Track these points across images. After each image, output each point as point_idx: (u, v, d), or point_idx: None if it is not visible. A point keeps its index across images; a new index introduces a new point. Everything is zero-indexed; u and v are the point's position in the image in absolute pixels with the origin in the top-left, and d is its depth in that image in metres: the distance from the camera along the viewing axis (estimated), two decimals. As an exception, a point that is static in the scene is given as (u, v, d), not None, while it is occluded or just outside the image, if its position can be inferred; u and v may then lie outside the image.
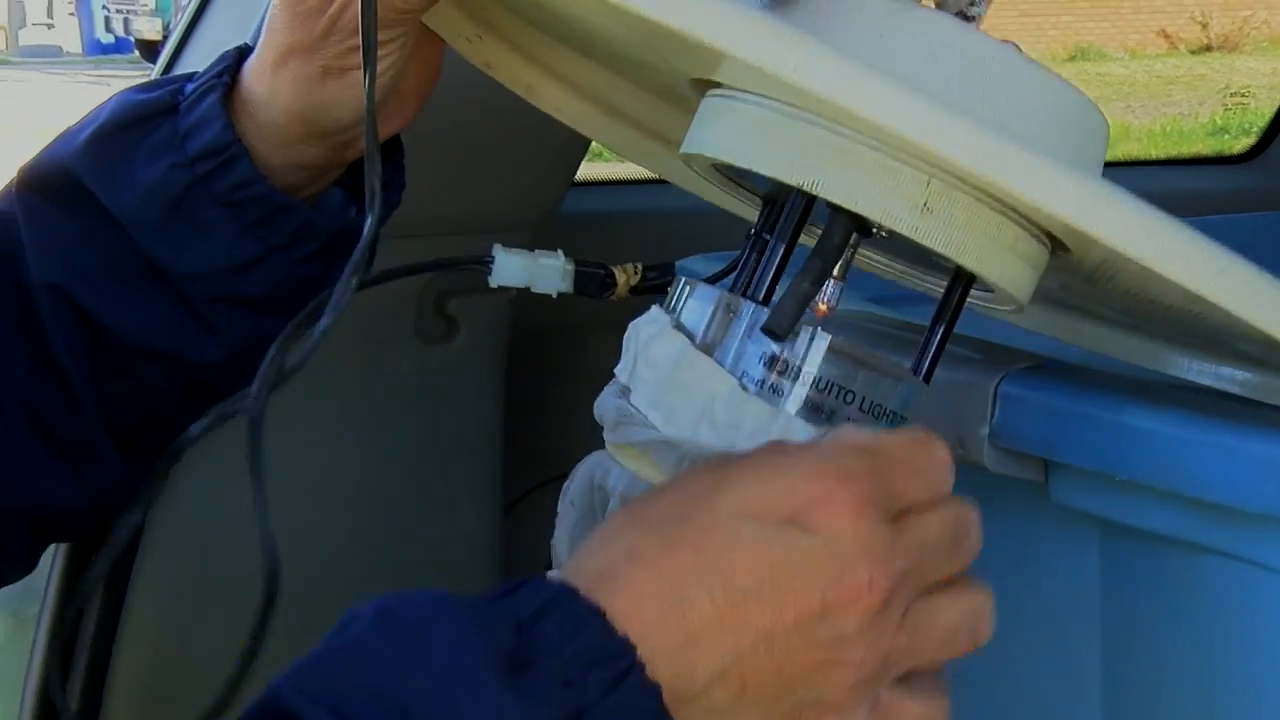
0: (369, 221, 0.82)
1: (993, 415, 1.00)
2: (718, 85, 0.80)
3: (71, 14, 20.25)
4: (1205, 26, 16.46)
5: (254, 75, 0.95)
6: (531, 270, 0.93)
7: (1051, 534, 1.04)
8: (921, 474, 0.71)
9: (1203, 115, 12.75)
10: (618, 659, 0.63)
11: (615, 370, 0.82)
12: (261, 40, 0.95)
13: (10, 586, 1.22)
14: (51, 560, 1.23)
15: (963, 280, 0.82)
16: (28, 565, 1.06)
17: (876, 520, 0.67)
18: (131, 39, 18.43)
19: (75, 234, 0.97)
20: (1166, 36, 17.16)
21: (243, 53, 0.97)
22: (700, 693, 0.64)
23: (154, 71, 1.30)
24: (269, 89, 0.94)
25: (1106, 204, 0.68)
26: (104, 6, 19.04)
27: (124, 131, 0.97)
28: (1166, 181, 2.33)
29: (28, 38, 20.78)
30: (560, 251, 0.95)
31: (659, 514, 0.68)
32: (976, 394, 0.99)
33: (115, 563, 1.20)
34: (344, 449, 1.33)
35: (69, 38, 20.25)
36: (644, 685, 0.63)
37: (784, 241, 0.79)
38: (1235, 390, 0.97)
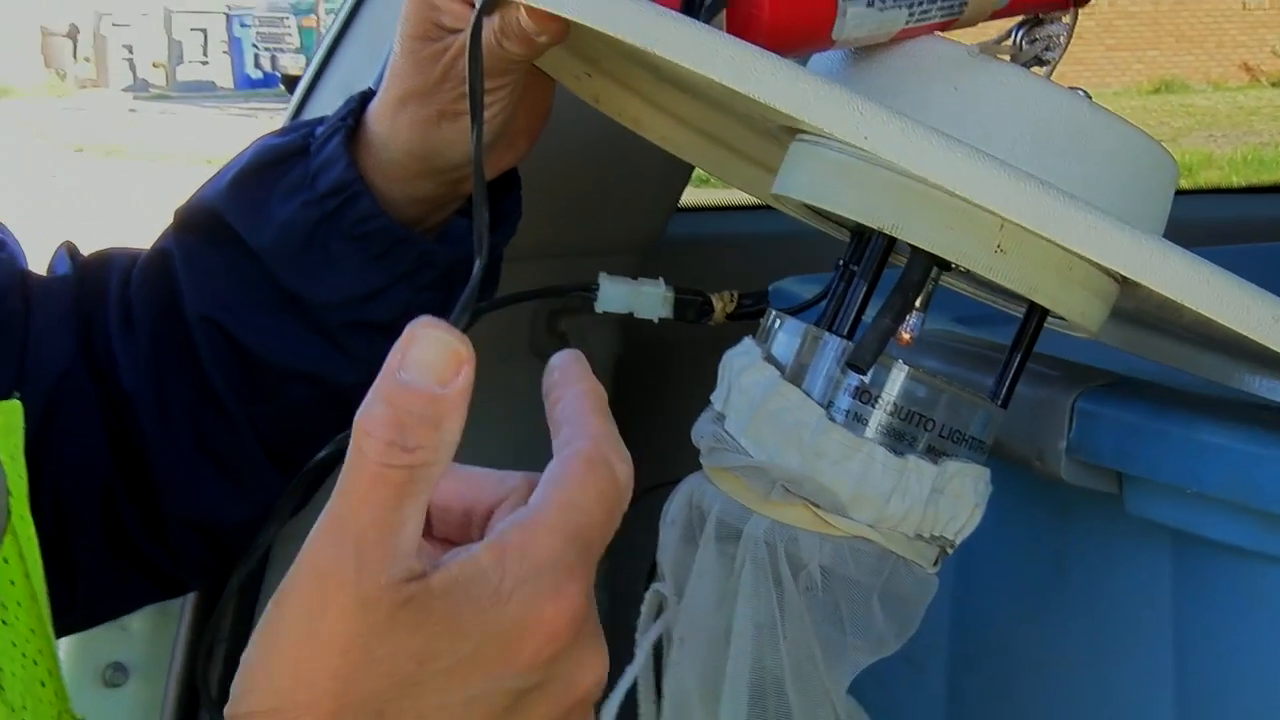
0: (477, 263, 0.82)
1: (1070, 430, 0.98)
2: (800, 132, 0.80)
3: (224, 52, 20.54)
4: (1287, 56, 16.27)
5: (375, 117, 0.96)
6: (633, 297, 0.93)
7: (1126, 543, 1.01)
8: (617, 523, 0.61)
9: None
10: None
11: (711, 397, 0.81)
12: (383, 85, 0.95)
13: None
14: None
15: (1038, 311, 0.81)
16: (206, 575, 1.08)
17: (590, 617, 0.59)
18: (278, 74, 18.68)
19: (223, 269, 0.98)
20: (1248, 69, 16.95)
21: (366, 97, 0.98)
22: None
23: (289, 109, 1.31)
24: (389, 130, 0.94)
25: (1161, 258, 0.67)
26: (253, 45, 19.30)
27: (262, 173, 0.98)
28: (1246, 208, 2.29)
29: (185, 74, 21.08)
30: (661, 280, 0.95)
31: (354, 714, 0.54)
32: (1055, 410, 0.98)
33: (261, 561, 1.21)
34: (462, 456, 1.33)
35: (221, 74, 20.53)
36: None
37: (865, 280, 0.79)
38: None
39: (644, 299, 0.92)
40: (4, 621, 0.78)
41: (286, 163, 0.98)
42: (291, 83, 18.17)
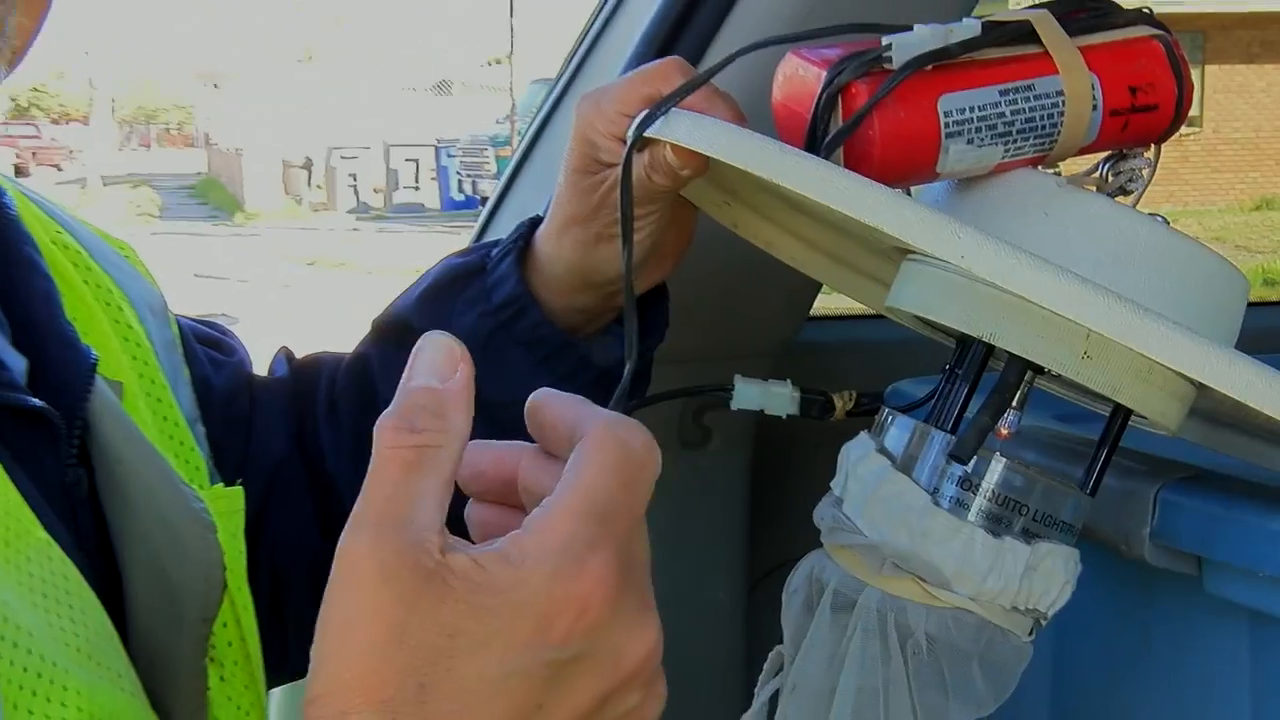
0: (628, 365, 0.83)
1: (1154, 518, 0.95)
2: (910, 252, 0.80)
3: (433, 178, 20.86)
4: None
5: (543, 239, 0.96)
6: (764, 397, 0.92)
7: (1205, 620, 0.98)
8: (642, 491, 0.57)
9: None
10: None
11: (831, 484, 0.80)
12: (550, 212, 0.95)
13: None
14: None
15: (1122, 411, 0.79)
16: None
17: (628, 587, 0.55)
18: (478, 197, 18.98)
19: None
20: None
21: (535, 222, 0.98)
22: None
23: (474, 231, 1.32)
24: (554, 250, 0.95)
25: (1228, 365, 0.66)
26: (457, 172, 19.60)
27: (446, 289, 0.99)
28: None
29: (400, 198, 21.47)
30: (789, 381, 0.94)
31: (400, 688, 0.52)
32: (1139, 500, 0.95)
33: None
34: None
35: (430, 197, 20.86)
36: None
37: (968, 382, 0.78)
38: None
39: (773, 398, 0.91)
40: (221, 677, 0.78)
41: (467, 279, 0.98)
42: (489, 205, 18.48)
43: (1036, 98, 0.76)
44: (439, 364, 0.57)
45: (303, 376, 1.04)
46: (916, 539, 0.73)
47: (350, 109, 25.56)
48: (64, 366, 0.74)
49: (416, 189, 21.62)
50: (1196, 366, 0.66)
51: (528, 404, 0.62)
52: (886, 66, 0.74)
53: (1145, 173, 0.81)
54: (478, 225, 1.30)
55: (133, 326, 0.86)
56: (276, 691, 1.29)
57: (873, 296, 1.01)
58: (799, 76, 0.77)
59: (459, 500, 0.59)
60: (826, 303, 1.50)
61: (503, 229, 1.15)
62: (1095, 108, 0.78)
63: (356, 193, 22.12)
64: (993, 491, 0.75)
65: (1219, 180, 16.26)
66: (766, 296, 1.25)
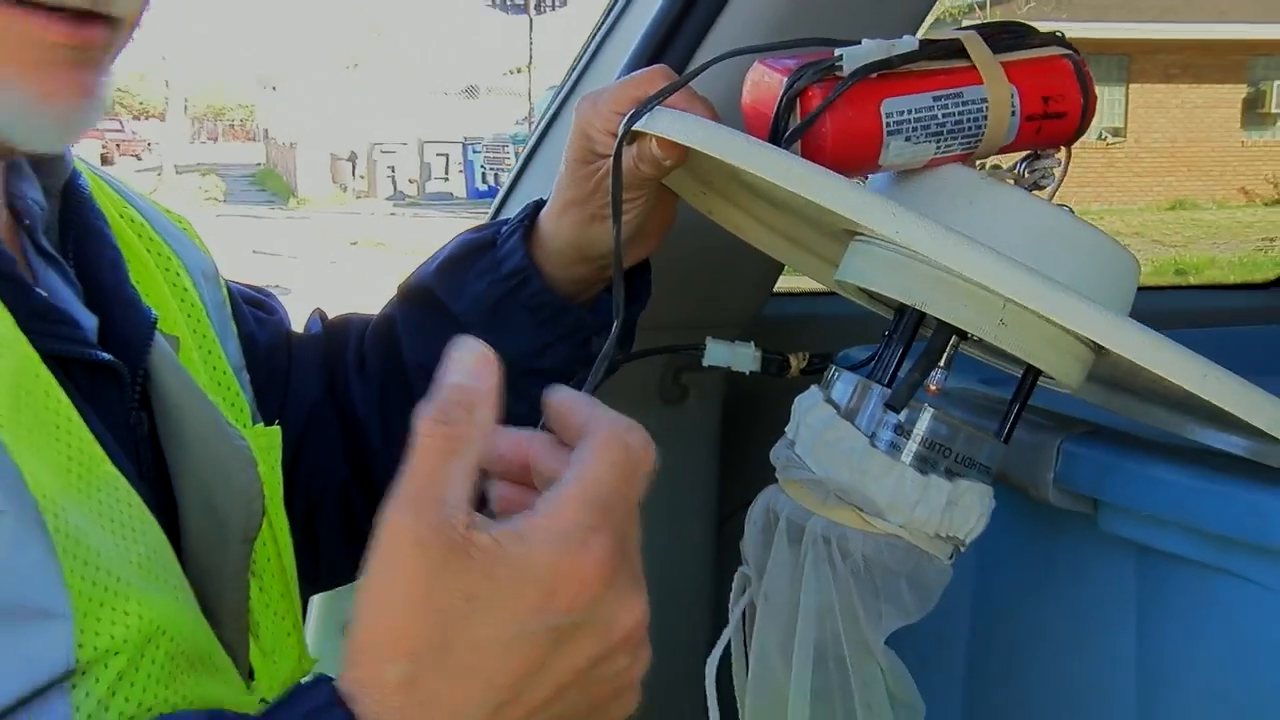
0: (614, 326, 0.84)
1: (1056, 465, 0.96)
2: (859, 233, 0.80)
3: (460, 171, 20.72)
4: (1276, 185, 15.88)
5: (545, 218, 0.96)
6: (731, 355, 0.92)
7: (1099, 553, 0.99)
8: (639, 485, 0.59)
9: (1273, 252, 12.35)
10: None
11: (785, 429, 0.81)
12: (552, 195, 0.96)
13: None
14: None
15: (1032, 372, 0.80)
16: None
17: (623, 566, 0.56)
18: (498, 188, 18.84)
19: (432, 329, 0.98)
20: (1245, 193, 16.60)
21: (539, 204, 0.98)
22: None
23: (491, 211, 1.32)
24: (555, 228, 0.95)
25: (1119, 328, 0.67)
26: (481, 166, 19.46)
27: (462, 259, 0.99)
28: (1236, 301, 2.22)
29: (431, 188, 21.34)
30: (752, 343, 0.94)
31: (426, 642, 0.54)
32: (1045, 450, 0.96)
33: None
34: None
35: (458, 187, 20.72)
36: None
37: (903, 343, 0.78)
38: (1238, 453, 0.92)
39: (739, 356, 0.92)
40: (260, 588, 0.79)
41: (479, 251, 0.98)
42: (510, 196, 18.34)
43: (964, 103, 0.77)
44: (471, 365, 0.59)
45: (334, 334, 1.05)
46: (856, 476, 0.74)
47: (390, 109, 25.38)
48: (128, 324, 0.75)
49: (446, 180, 21.48)
50: (1094, 329, 0.67)
51: (545, 396, 0.65)
52: (838, 74, 0.75)
53: (1056, 171, 0.81)
54: (493, 207, 1.30)
55: (188, 289, 0.86)
56: (315, 604, 1.30)
57: (823, 274, 1.02)
58: (764, 82, 0.78)
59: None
60: (787, 283, 1.50)
61: (514, 210, 1.16)
62: (1014, 113, 0.78)
63: (394, 182, 21.97)
64: (922, 437, 0.76)
65: (1140, 183, 16.21)
66: (736, 274, 1.25)
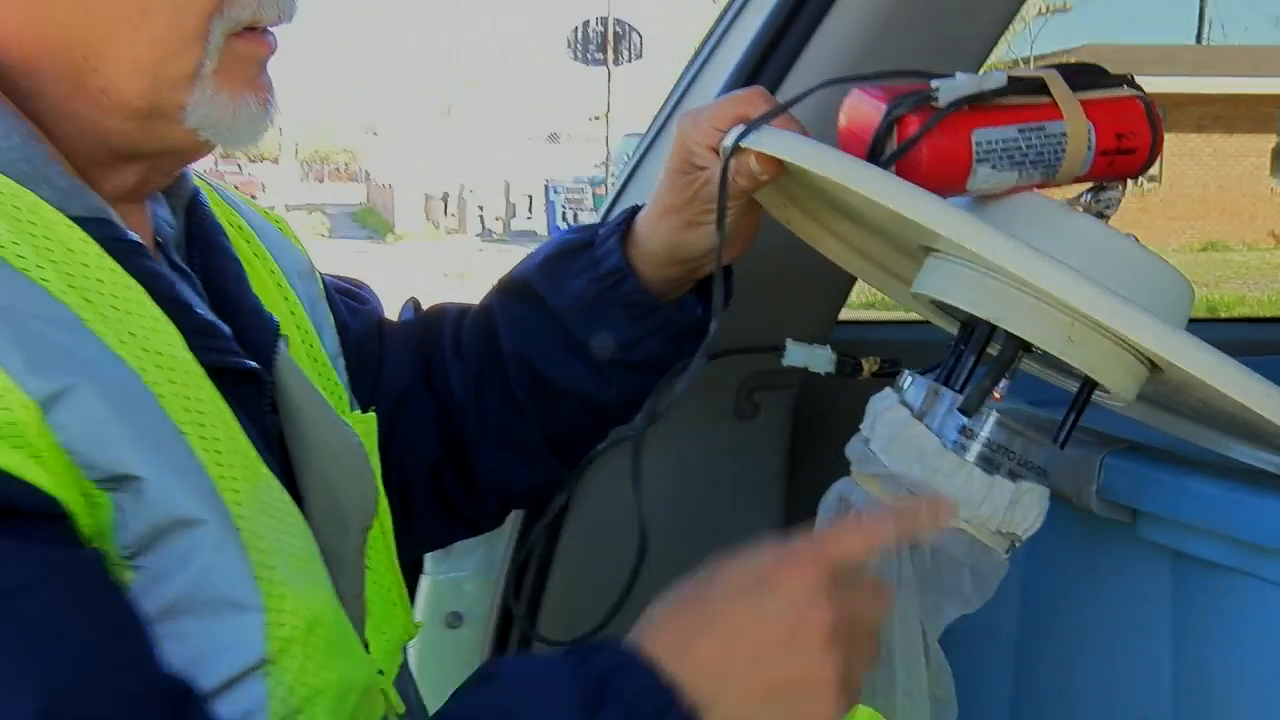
0: (713, 324, 0.84)
1: (1099, 478, 0.97)
2: (934, 250, 0.81)
3: (543, 210, 20.72)
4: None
5: (642, 222, 0.95)
6: (809, 357, 0.91)
7: (1137, 558, 0.99)
8: (855, 550, 0.69)
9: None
10: (663, 699, 0.63)
11: (860, 427, 0.81)
12: (650, 201, 0.95)
13: (478, 558, 1.29)
14: (510, 528, 1.24)
15: (1089, 384, 0.80)
16: (497, 523, 1.09)
17: (817, 587, 0.66)
18: (576, 226, 18.81)
19: (530, 320, 0.98)
20: (1274, 236, 16.34)
21: (635, 210, 0.98)
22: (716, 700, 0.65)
23: (600, 214, 1.30)
24: (651, 231, 0.94)
25: (1182, 343, 0.67)
26: (562, 206, 19.42)
27: (562, 257, 0.98)
28: (1267, 334, 2.18)
29: (516, 225, 21.37)
30: (828, 346, 0.94)
31: (691, 621, 0.67)
32: (1089, 464, 0.97)
33: (551, 524, 1.21)
34: (687, 476, 1.28)
35: (540, 225, 20.64)
36: (687, 712, 0.63)
37: (974, 353, 0.79)
38: (1273, 470, 0.92)
39: (816, 358, 0.91)
40: (370, 568, 0.80)
41: (578, 251, 0.97)
42: (587, 233, 18.23)
43: (1046, 136, 0.77)
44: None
45: (429, 322, 1.04)
46: (928, 472, 0.74)
47: (480, 153, 25.57)
48: (255, 332, 0.75)
49: (529, 219, 21.49)
50: (1158, 343, 0.67)
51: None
52: (934, 104, 0.75)
53: (1118, 200, 0.81)
54: (602, 211, 1.27)
55: (289, 290, 0.86)
56: (422, 597, 1.30)
57: (893, 289, 1.01)
58: (862, 108, 0.78)
59: None
60: (848, 314, 1.48)
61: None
62: (1089, 148, 0.78)
63: (482, 220, 22.08)
64: (987, 439, 0.76)
65: (1174, 226, 15.94)
66: (806, 291, 1.23)
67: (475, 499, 1.02)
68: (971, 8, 1.11)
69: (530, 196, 21.82)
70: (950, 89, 0.75)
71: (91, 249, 0.63)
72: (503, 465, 1.00)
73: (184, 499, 0.59)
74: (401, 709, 0.77)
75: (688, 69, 1.24)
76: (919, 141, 0.74)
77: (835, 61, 1.09)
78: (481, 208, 22.06)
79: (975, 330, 0.79)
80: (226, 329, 0.71)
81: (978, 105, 0.76)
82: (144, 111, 0.68)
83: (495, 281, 1.03)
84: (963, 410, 0.75)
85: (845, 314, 1.35)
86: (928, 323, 1.02)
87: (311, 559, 0.67)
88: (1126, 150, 0.80)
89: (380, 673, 0.76)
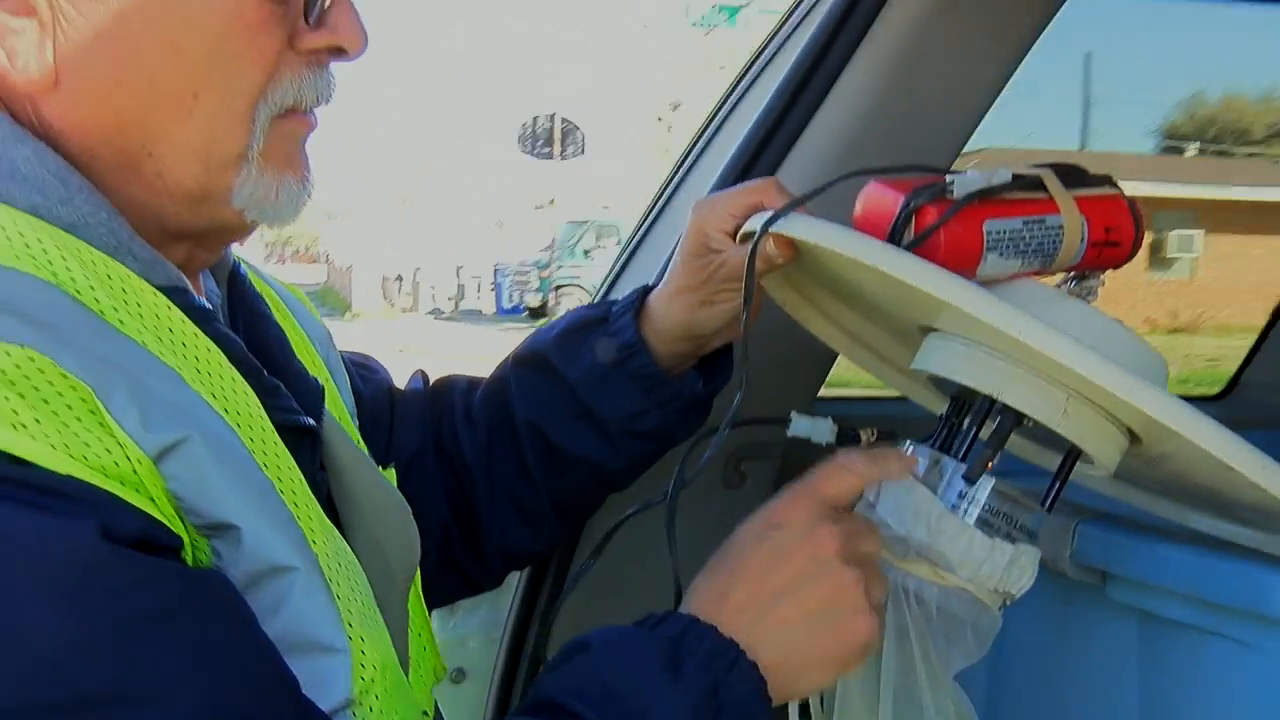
0: (737, 395, 0.83)
1: (1072, 543, 0.97)
2: (934, 330, 0.81)
3: (490, 291, 20.73)
4: (1175, 315, 15.95)
5: (656, 300, 0.95)
6: (812, 428, 0.90)
7: (1106, 618, 0.99)
8: (843, 487, 0.74)
9: (1173, 372, 12.47)
10: (731, 652, 0.67)
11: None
12: (665, 281, 0.95)
13: (481, 616, 1.26)
14: (514, 589, 1.22)
15: (1074, 454, 0.80)
16: (499, 583, 1.07)
17: (818, 512, 0.72)
18: (522, 306, 18.88)
19: (544, 390, 0.97)
20: (1150, 321, 16.70)
21: (647, 289, 0.98)
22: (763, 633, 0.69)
23: (599, 290, 1.30)
24: (665, 309, 0.94)
25: (1175, 405, 0.68)
26: (508, 288, 19.46)
27: (577, 332, 0.98)
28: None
29: (465, 305, 21.40)
30: (829, 418, 0.91)
31: (721, 578, 0.72)
32: (1064, 530, 0.97)
33: (553, 586, 1.20)
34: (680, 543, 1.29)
35: (487, 305, 20.69)
36: (747, 664, 0.67)
37: (976, 425, 0.78)
38: (1232, 539, 0.92)
39: (819, 429, 0.90)
40: (414, 612, 0.80)
41: (594, 326, 0.97)
42: (531, 311, 18.33)
43: (1046, 229, 0.78)
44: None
45: (439, 391, 1.03)
46: (933, 535, 0.74)
47: (432, 238, 25.60)
48: (303, 395, 0.74)
49: (478, 298, 21.50)
50: (1154, 405, 0.67)
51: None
52: (948, 196, 0.76)
53: (1099, 288, 0.83)
54: (599, 292, 1.28)
55: (317, 356, 0.86)
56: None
57: (876, 367, 1.01)
58: (880, 199, 0.78)
59: None
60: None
61: (620, 293, 1.16)
62: (1082, 240, 0.80)
63: (434, 299, 22.06)
64: (985, 504, 0.76)
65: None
66: (793, 368, 1.23)
67: (480, 560, 1.00)
68: (948, 103, 1.13)
69: (479, 279, 21.78)
70: (964, 183, 0.76)
71: (175, 315, 0.63)
72: (509, 529, 0.99)
73: (279, 547, 0.60)
74: None
75: (681, 161, 1.25)
76: (938, 230, 0.75)
77: (824, 156, 1.11)
78: (434, 288, 22.04)
79: (975, 404, 0.79)
80: (285, 391, 0.70)
81: (986, 198, 0.76)
82: (195, 194, 0.67)
83: (511, 352, 1.02)
84: (967, 478, 0.75)
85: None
86: (898, 399, 1.02)
87: (373, 608, 0.66)
88: (1113, 243, 0.81)
89: (425, 713, 0.76)
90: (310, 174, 0.72)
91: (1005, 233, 0.77)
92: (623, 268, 1.24)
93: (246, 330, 0.77)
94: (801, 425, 0.86)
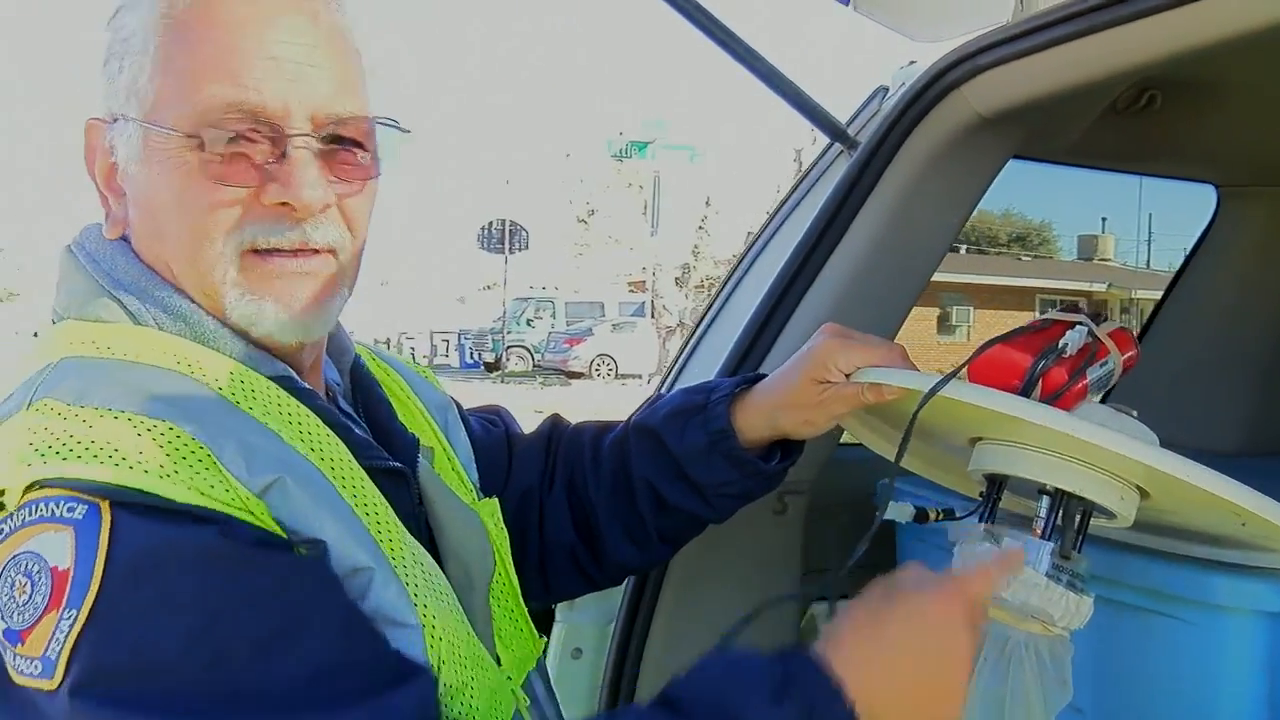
0: (877, 514, 0.79)
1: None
2: (981, 439, 0.78)
3: (455, 349, 20.43)
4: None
5: (761, 402, 0.90)
6: (899, 511, 0.84)
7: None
8: (988, 589, 0.69)
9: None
10: (838, 700, 0.62)
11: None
12: (775, 389, 0.90)
13: (593, 609, 1.24)
14: (624, 590, 1.21)
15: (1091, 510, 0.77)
16: (616, 584, 1.06)
17: (967, 619, 0.66)
18: (479, 362, 18.62)
19: (655, 456, 0.94)
20: (940, 371, 16.73)
21: (744, 382, 0.93)
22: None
23: (673, 369, 1.27)
24: (769, 415, 0.90)
25: (1199, 470, 0.67)
26: (470, 349, 19.22)
27: (681, 414, 0.94)
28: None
29: (437, 361, 20.94)
30: (910, 503, 0.86)
31: (866, 643, 0.65)
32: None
33: (654, 589, 1.21)
34: (740, 551, 1.26)
35: (454, 361, 20.40)
36: (849, 712, 0.62)
37: (1057, 514, 0.75)
38: (1228, 560, 0.87)
39: (900, 511, 0.84)
40: (499, 604, 0.79)
41: (696, 411, 0.93)
42: (488, 365, 18.06)
43: (1107, 368, 0.77)
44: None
45: (571, 438, 0.99)
46: (1043, 600, 0.72)
47: (408, 310, 25.25)
48: (399, 448, 0.76)
49: (447, 356, 21.19)
50: (1186, 472, 0.66)
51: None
52: (1063, 355, 0.74)
53: (1114, 381, 0.81)
54: (667, 380, 1.25)
55: (429, 417, 0.86)
56: (554, 638, 1.24)
57: (929, 472, 0.97)
58: (1009, 358, 0.75)
59: None
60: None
61: (686, 379, 1.17)
62: (1122, 368, 0.79)
63: (414, 357, 21.56)
64: (1067, 571, 0.74)
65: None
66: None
67: (601, 570, 0.98)
68: (930, 236, 1.19)
69: (448, 340, 21.51)
70: (1073, 340, 0.74)
71: (279, 393, 0.67)
72: (622, 549, 0.96)
73: (358, 553, 0.62)
74: (527, 702, 0.77)
75: (729, 276, 1.27)
76: (1070, 386, 0.72)
77: (845, 274, 1.16)
78: (413, 349, 21.64)
79: (1056, 497, 0.75)
80: (375, 444, 0.72)
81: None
82: (211, 313, 0.68)
83: (629, 420, 0.99)
84: (1064, 555, 0.73)
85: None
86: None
87: (448, 596, 0.69)
88: (1129, 365, 0.80)
89: (509, 677, 0.75)
90: (298, 303, 0.69)
91: (1098, 378, 0.76)
92: (688, 359, 1.25)
93: (365, 405, 0.79)
94: (893, 511, 0.82)
